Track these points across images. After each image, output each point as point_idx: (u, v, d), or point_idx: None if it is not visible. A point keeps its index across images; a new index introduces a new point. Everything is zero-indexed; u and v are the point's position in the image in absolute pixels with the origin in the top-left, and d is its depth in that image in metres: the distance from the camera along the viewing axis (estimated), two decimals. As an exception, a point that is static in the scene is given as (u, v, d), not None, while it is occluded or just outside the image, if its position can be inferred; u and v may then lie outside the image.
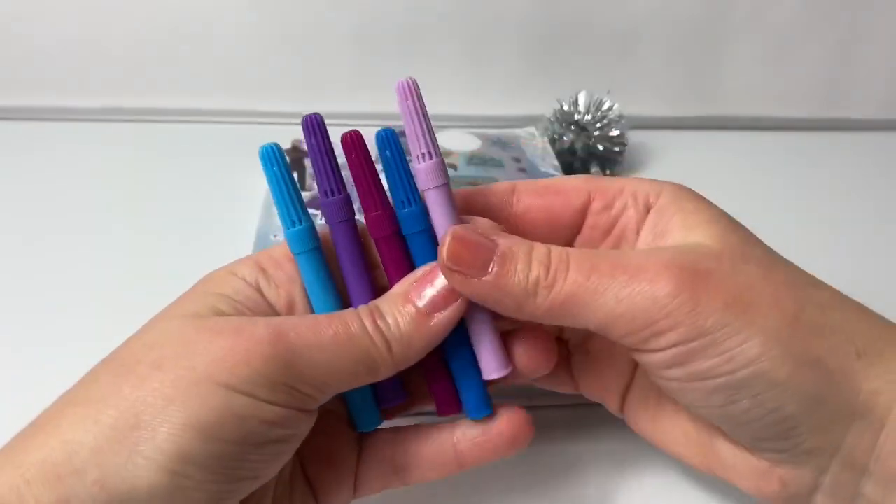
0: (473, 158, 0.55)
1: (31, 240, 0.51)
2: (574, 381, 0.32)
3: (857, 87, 0.70)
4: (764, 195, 0.59)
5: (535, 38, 0.66)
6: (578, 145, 0.59)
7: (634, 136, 0.63)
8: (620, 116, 0.60)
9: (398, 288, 0.26)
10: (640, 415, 0.30)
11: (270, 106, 0.66)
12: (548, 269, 0.24)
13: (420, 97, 0.25)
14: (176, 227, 0.52)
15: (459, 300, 0.25)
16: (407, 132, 0.26)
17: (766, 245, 0.26)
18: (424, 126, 0.25)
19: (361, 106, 0.68)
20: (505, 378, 0.27)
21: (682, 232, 0.26)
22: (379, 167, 0.27)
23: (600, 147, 0.59)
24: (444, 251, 0.25)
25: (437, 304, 0.25)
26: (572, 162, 0.60)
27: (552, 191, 0.29)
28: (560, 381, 0.32)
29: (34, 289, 0.46)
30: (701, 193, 0.28)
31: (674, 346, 0.23)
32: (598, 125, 0.59)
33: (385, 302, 0.26)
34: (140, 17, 0.64)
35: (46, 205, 0.54)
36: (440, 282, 0.25)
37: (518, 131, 0.61)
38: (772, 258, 0.26)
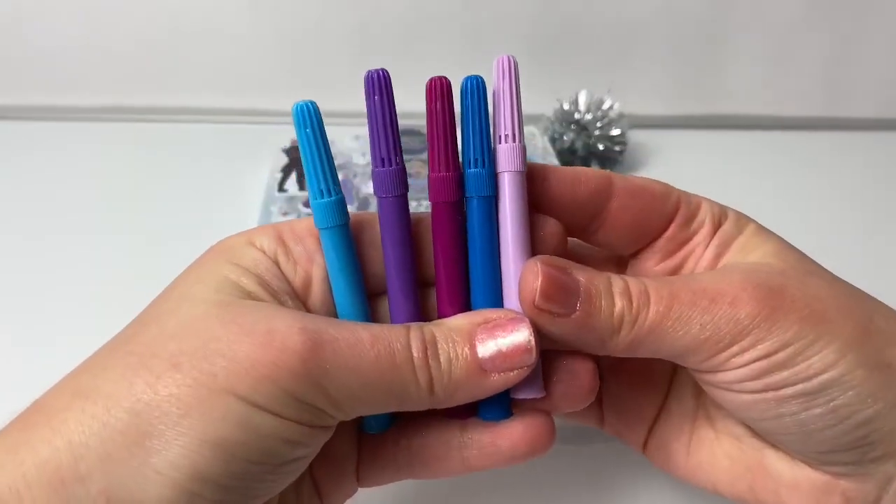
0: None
1: (31, 239, 0.51)
2: (600, 411, 0.30)
3: (857, 86, 0.70)
4: (764, 195, 0.59)
5: (536, 37, 0.66)
6: (579, 144, 0.59)
7: (635, 136, 0.63)
8: (621, 115, 0.60)
9: (463, 319, 0.24)
10: (672, 447, 0.29)
11: (270, 105, 0.66)
12: (630, 301, 0.23)
13: (518, 77, 0.24)
14: (175, 226, 0.52)
15: (526, 368, 0.23)
16: (495, 111, 0.24)
17: (816, 262, 0.27)
18: (516, 108, 0.24)
19: (361, 105, 0.67)
20: (533, 401, 0.25)
21: (742, 253, 0.26)
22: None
23: (601, 146, 0.59)
24: (535, 290, 0.23)
25: (499, 364, 0.23)
26: (573, 161, 0.60)
27: (648, 193, 0.27)
28: (585, 411, 0.29)
29: (34, 288, 0.46)
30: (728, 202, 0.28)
31: (756, 360, 0.23)
32: (599, 124, 0.59)
33: (443, 332, 0.23)
34: (140, 16, 0.64)
35: (46, 204, 0.54)
36: (513, 339, 0.23)
37: (518, 131, 0.61)
38: (826, 272, 0.26)
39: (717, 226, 0.27)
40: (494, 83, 0.24)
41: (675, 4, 0.65)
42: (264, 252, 0.24)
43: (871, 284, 0.25)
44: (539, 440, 0.25)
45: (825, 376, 0.23)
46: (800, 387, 0.23)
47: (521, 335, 0.23)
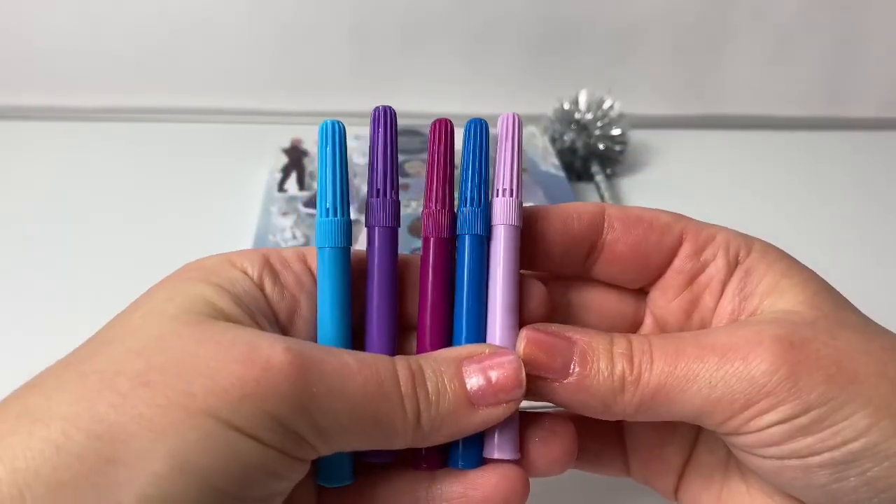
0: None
1: (31, 239, 0.50)
2: (626, 460, 0.29)
3: (857, 86, 0.70)
4: (764, 195, 0.59)
5: (536, 37, 0.66)
6: (579, 144, 0.59)
7: (635, 136, 0.63)
8: (621, 115, 0.60)
9: (452, 351, 0.23)
10: (702, 497, 0.27)
11: (270, 105, 0.66)
12: (631, 361, 0.22)
13: (521, 135, 0.25)
14: (174, 226, 0.52)
15: (514, 402, 0.22)
16: (496, 163, 0.25)
17: (857, 309, 0.24)
18: (516, 163, 0.24)
19: (361, 105, 0.67)
20: (507, 462, 0.24)
21: (771, 297, 0.24)
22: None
23: (601, 146, 0.59)
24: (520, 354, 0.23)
25: (488, 397, 0.22)
26: (573, 161, 0.60)
27: (645, 224, 0.25)
28: (609, 461, 0.29)
29: (34, 288, 0.46)
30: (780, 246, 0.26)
31: (776, 424, 0.21)
32: (599, 124, 0.59)
33: (431, 363, 0.22)
34: (140, 16, 0.64)
35: (45, 204, 0.54)
36: (503, 371, 0.22)
37: (518, 131, 0.61)
38: (866, 323, 0.24)
39: (734, 259, 0.25)
40: (499, 137, 0.25)
41: (676, 4, 0.65)
42: (246, 273, 0.23)
43: (871, 285, 0.24)
44: (513, 492, 0.24)
45: (856, 445, 0.21)
46: (827, 455, 0.21)
47: (510, 367, 0.22)
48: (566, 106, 0.61)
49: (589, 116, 0.60)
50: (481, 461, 0.24)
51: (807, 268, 0.25)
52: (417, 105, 0.68)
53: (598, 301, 0.27)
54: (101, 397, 0.18)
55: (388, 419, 0.21)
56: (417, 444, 0.22)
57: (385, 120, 0.24)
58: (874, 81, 0.70)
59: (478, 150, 0.24)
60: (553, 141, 0.60)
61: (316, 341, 0.24)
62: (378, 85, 0.68)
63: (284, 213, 0.49)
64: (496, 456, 0.24)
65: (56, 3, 0.63)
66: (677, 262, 0.26)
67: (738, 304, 0.25)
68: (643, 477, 0.28)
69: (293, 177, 0.54)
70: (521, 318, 0.24)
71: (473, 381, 0.22)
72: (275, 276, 0.23)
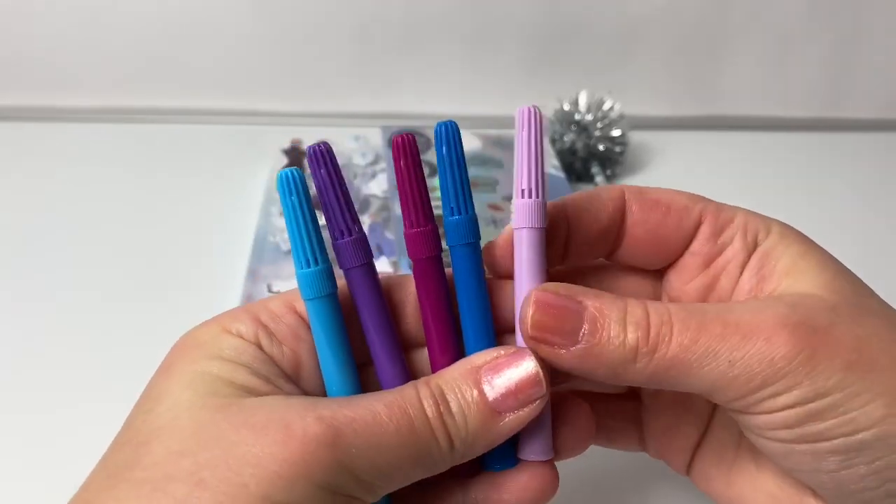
0: (474, 159, 0.55)
1: (31, 240, 0.50)
2: (641, 436, 0.29)
3: (857, 87, 0.70)
4: (764, 195, 0.59)
5: (536, 38, 0.66)
6: (579, 145, 0.59)
7: (635, 136, 0.63)
8: (621, 116, 0.60)
9: (464, 364, 0.23)
10: (712, 474, 0.27)
11: (270, 106, 0.66)
12: (647, 332, 0.22)
13: (541, 128, 0.23)
14: (174, 227, 0.52)
15: (539, 401, 0.22)
16: (516, 162, 0.24)
17: (875, 293, 0.24)
18: (537, 160, 0.23)
19: (361, 105, 0.68)
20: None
21: (789, 279, 0.24)
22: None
23: (601, 147, 0.59)
24: (527, 321, 0.22)
25: (511, 402, 0.22)
26: (573, 162, 0.60)
27: (664, 207, 0.25)
28: (626, 437, 0.29)
29: (34, 288, 0.46)
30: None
31: (789, 407, 0.21)
32: (599, 125, 0.59)
33: (448, 382, 0.22)
34: (140, 16, 0.64)
35: (46, 204, 0.54)
36: (518, 373, 0.22)
37: (518, 131, 0.61)
38: (886, 308, 0.24)
39: (752, 241, 0.25)
40: (517, 133, 0.23)
41: (676, 5, 0.65)
42: (242, 338, 0.23)
43: (872, 286, 0.24)
44: (543, 489, 0.24)
45: (868, 433, 0.21)
46: (838, 442, 0.21)
47: (526, 366, 0.22)
48: (566, 107, 0.61)
49: (589, 117, 0.60)
50: (516, 461, 0.25)
51: (825, 251, 0.25)
52: (417, 106, 0.68)
53: (616, 284, 0.27)
54: None
55: (426, 454, 0.21)
56: (457, 463, 0.22)
57: (323, 158, 0.23)
58: (874, 82, 0.70)
59: (452, 156, 0.23)
60: (553, 142, 0.60)
61: (323, 389, 0.24)
62: (378, 85, 0.68)
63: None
64: (529, 458, 0.24)
65: (56, 3, 0.63)
66: (695, 245, 0.26)
67: (755, 283, 0.25)
68: (658, 452, 0.29)
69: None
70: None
71: (493, 390, 0.22)
72: (270, 334, 0.23)
